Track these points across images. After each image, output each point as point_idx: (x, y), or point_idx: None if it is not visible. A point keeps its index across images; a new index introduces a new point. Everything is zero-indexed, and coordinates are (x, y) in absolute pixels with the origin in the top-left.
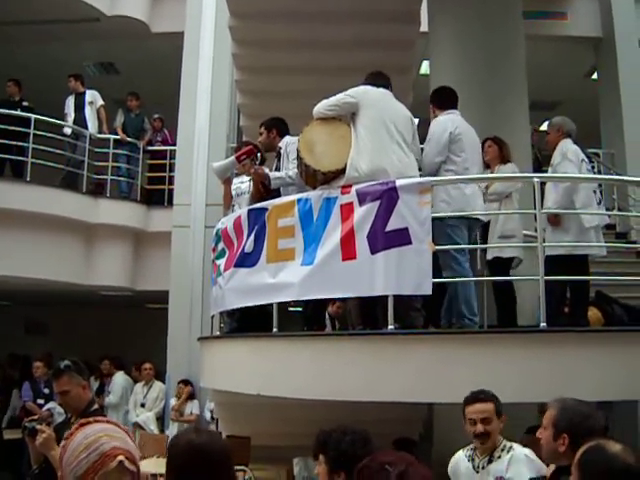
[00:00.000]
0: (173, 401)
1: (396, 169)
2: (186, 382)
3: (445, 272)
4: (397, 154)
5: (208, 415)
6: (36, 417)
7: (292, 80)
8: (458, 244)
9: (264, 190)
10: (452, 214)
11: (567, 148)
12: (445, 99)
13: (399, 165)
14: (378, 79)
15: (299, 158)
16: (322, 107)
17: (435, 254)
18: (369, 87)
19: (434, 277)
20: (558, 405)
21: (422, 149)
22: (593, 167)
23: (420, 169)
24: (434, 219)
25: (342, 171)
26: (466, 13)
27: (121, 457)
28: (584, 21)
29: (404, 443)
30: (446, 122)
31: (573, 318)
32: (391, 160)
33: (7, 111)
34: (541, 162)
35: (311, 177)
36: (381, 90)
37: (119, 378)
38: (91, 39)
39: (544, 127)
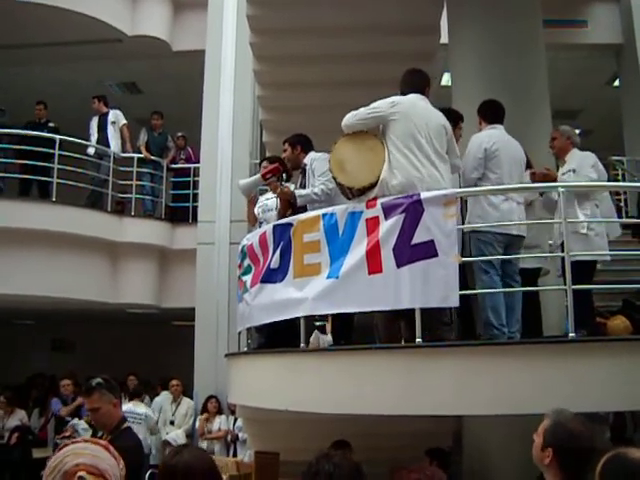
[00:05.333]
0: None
1: (425, 185)
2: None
3: (476, 285)
4: (427, 169)
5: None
6: (67, 434)
7: (314, 94)
8: (488, 261)
9: (291, 208)
10: (473, 226)
11: (586, 155)
12: (491, 112)
13: (429, 180)
14: (409, 84)
15: (333, 178)
16: (348, 121)
17: (468, 267)
18: (397, 98)
19: (466, 289)
20: (552, 417)
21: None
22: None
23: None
24: (468, 233)
25: (376, 183)
26: (486, 24)
27: (81, 473)
28: (605, 28)
29: (437, 453)
30: (483, 138)
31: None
32: (421, 176)
33: (33, 132)
34: None
35: (348, 192)
36: (411, 98)
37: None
38: (113, 59)
39: None
